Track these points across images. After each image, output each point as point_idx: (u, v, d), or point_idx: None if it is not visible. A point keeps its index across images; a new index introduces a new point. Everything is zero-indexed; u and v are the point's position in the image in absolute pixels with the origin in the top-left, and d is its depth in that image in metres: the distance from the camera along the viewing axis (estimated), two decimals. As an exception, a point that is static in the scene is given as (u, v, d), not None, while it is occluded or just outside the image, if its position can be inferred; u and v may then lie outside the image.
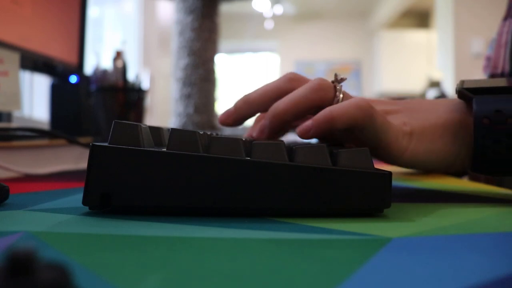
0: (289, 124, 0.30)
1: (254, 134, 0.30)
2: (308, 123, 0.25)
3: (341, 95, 0.28)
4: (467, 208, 0.25)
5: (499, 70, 0.46)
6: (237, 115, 0.30)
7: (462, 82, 0.27)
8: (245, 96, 0.30)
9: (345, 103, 0.25)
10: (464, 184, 0.37)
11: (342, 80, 0.28)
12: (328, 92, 0.27)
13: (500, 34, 0.47)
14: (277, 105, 0.28)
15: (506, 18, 0.47)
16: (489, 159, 0.25)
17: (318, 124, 0.25)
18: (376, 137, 0.26)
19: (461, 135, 0.27)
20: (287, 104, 0.27)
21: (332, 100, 0.28)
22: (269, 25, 4.50)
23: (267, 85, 0.30)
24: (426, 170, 0.29)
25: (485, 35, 2.51)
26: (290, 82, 0.29)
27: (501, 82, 0.26)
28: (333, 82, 0.28)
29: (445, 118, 0.27)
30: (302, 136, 0.25)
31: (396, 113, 0.28)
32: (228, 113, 0.31)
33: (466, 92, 0.26)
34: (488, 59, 0.52)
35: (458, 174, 0.45)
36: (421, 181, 0.39)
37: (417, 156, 0.27)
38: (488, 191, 0.33)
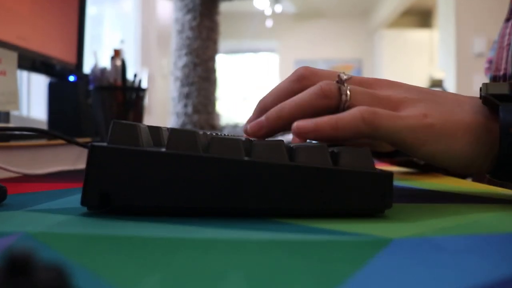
0: (288, 127, 0.29)
1: (248, 129, 0.29)
2: (310, 124, 0.25)
3: (349, 94, 0.27)
4: (468, 208, 0.25)
5: (501, 72, 0.46)
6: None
7: (486, 86, 0.26)
8: (260, 102, 0.31)
9: (351, 114, 0.25)
10: (465, 185, 0.37)
11: (347, 80, 0.28)
12: (332, 99, 0.27)
13: (502, 36, 0.47)
14: (281, 108, 0.28)
15: (508, 19, 0.47)
16: None
17: (320, 131, 0.25)
18: (385, 139, 0.26)
19: (483, 139, 0.26)
20: (291, 110, 0.27)
21: (338, 105, 0.27)
22: (269, 24, 4.50)
23: (278, 87, 0.30)
24: (443, 167, 0.28)
25: (487, 34, 2.51)
26: (300, 82, 0.29)
27: None
28: (338, 82, 0.28)
29: (470, 117, 0.26)
30: (298, 135, 0.25)
31: (416, 102, 0.27)
32: (249, 123, 0.31)
33: (492, 99, 0.25)
34: (490, 62, 0.52)
35: (464, 175, 0.45)
36: (422, 181, 0.39)
37: (436, 150, 0.26)
38: (489, 192, 0.33)
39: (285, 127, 0.29)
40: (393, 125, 0.25)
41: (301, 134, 0.25)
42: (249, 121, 0.32)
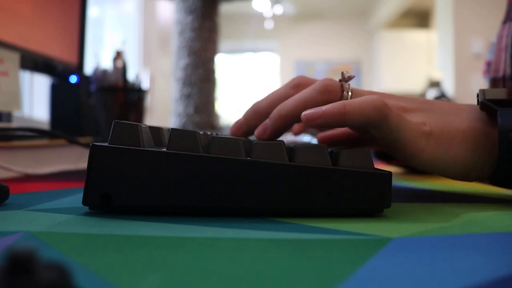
0: (292, 125, 0.29)
1: (255, 134, 0.29)
2: (317, 111, 0.24)
3: (350, 93, 0.27)
4: (467, 208, 0.25)
5: (500, 74, 0.46)
6: (247, 126, 0.30)
7: (484, 92, 0.26)
8: (254, 105, 0.30)
9: (360, 99, 0.24)
10: (464, 185, 0.37)
11: (350, 78, 0.28)
12: (334, 94, 0.27)
13: (500, 37, 0.47)
14: (282, 106, 0.27)
15: (505, 21, 0.47)
16: None
17: (328, 115, 0.24)
18: (390, 136, 0.25)
19: (482, 145, 0.26)
20: (292, 106, 0.27)
21: (339, 100, 0.27)
22: (269, 25, 4.50)
23: (274, 93, 0.30)
24: (443, 175, 0.27)
25: (485, 35, 2.52)
26: (295, 89, 0.29)
27: None
28: (340, 81, 0.28)
29: (467, 125, 0.26)
30: (306, 121, 0.24)
31: (415, 111, 0.27)
32: (238, 125, 0.31)
33: (490, 104, 0.25)
34: (488, 64, 0.51)
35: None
36: (421, 181, 0.39)
37: (435, 158, 0.26)
38: (488, 192, 0.33)
39: (289, 126, 0.28)
40: (399, 122, 0.25)
41: (308, 121, 0.24)
42: (237, 122, 0.31)
